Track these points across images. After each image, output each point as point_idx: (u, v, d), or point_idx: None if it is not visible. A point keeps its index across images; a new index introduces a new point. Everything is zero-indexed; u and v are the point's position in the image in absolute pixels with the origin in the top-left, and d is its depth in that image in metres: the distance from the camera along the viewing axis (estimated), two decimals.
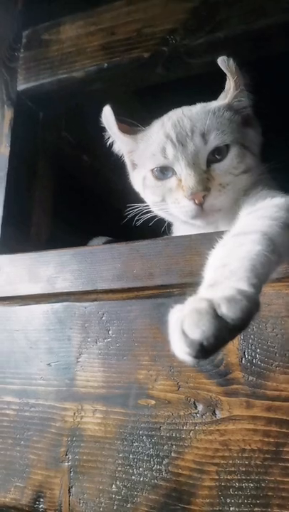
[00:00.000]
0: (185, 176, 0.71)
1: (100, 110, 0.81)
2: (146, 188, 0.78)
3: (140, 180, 0.80)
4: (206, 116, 0.72)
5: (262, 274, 0.47)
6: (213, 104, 0.75)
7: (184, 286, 0.68)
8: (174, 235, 0.88)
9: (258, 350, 0.61)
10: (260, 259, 0.48)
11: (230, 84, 0.74)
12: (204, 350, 0.40)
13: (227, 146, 0.72)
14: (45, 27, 0.92)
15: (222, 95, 0.76)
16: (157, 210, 0.78)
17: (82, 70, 0.86)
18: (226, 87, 0.76)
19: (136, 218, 0.80)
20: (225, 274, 0.47)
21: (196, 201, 0.70)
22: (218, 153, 0.72)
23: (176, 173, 0.73)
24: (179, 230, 0.85)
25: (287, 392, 0.59)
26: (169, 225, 0.85)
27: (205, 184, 0.70)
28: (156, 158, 0.74)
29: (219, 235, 0.66)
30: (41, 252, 0.78)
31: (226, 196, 0.73)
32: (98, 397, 0.69)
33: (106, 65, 0.84)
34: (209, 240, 0.67)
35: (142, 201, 0.82)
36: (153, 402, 0.65)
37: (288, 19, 0.72)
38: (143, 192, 0.80)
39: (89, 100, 0.97)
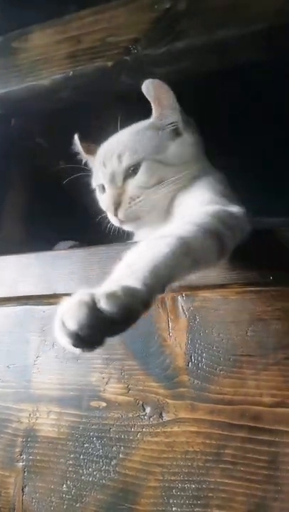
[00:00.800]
0: (107, 192, 0.83)
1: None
2: (99, 199, 0.89)
3: (96, 191, 0.90)
4: (127, 138, 0.83)
5: (164, 276, 0.50)
6: (140, 125, 0.84)
7: None
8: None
9: (204, 354, 0.64)
10: (165, 261, 0.50)
11: (153, 106, 0.81)
12: (81, 340, 0.44)
13: (139, 163, 0.80)
14: (14, 35, 0.95)
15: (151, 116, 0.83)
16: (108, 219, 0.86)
17: (49, 78, 0.89)
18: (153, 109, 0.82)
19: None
20: (127, 272, 0.50)
21: (113, 213, 0.81)
22: (133, 170, 0.81)
23: (106, 190, 0.84)
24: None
25: (230, 395, 0.61)
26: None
27: (116, 199, 0.81)
28: (96, 177, 0.87)
29: None
30: (3, 256, 0.81)
31: (139, 206, 0.81)
32: (53, 398, 0.71)
33: (71, 73, 0.87)
34: None
35: None
36: (104, 404, 0.68)
37: (248, 31, 0.75)
38: (98, 203, 0.90)
39: (61, 106, 1.00)
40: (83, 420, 0.68)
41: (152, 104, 0.81)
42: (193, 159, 0.83)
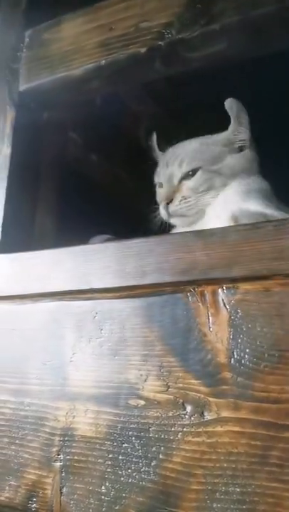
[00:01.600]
0: (163, 188, 0.99)
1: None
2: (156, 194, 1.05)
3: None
4: (192, 147, 0.99)
5: None
6: (210, 139, 1.00)
7: (175, 285, 0.69)
8: None
9: (247, 350, 0.62)
10: None
11: (231, 123, 0.97)
12: None
13: (196, 170, 0.95)
14: (46, 26, 0.95)
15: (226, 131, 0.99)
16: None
17: (80, 68, 0.88)
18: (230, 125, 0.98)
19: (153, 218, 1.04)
20: None
21: (162, 205, 0.97)
22: (191, 174, 0.96)
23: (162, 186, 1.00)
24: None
25: (276, 393, 0.59)
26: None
27: (170, 195, 0.96)
28: (158, 174, 1.04)
29: (210, 232, 0.68)
30: (36, 252, 0.81)
31: (188, 206, 0.95)
32: (90, 396, 0.71)
33: (104, 61, 0.86)
34: (201, 237, 0.68)
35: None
36: (143, 402, 0.66)
37: (283, 9, 0.72)
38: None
39: (93, 99, 0.99)
40: (121, 419, 0.67)
41: (232, 121, 0.96)
42: (245, 173, 0.96)
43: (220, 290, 0.65)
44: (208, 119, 0.97)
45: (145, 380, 0.67)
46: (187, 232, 0.71)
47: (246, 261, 0.64)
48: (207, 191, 0.94)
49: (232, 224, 0.82)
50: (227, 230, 0.67)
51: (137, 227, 0.92)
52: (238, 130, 0.97)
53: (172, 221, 0.97)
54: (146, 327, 0.69)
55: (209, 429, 0.61)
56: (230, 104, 0.94)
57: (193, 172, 0.95)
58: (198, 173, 0.95)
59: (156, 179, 1.04)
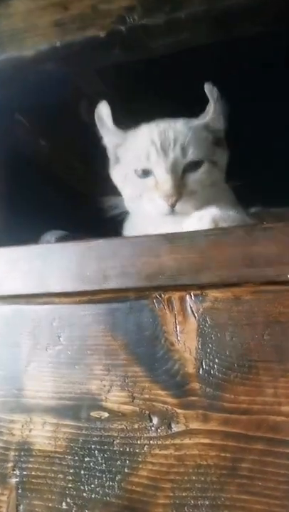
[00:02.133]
0: (163, 180, 0.84)
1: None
2: (127, 184, 0.91)
3: (122, 175, 0.93)
4: (187, 131, 0.87)
5: None
6: (194, 122, 0.90)
7: (140, 291, 0.66)
8: (128, 231, 0.96)
9: (216, 360, 0.61)
10: None
11: (210, 108, 0.89)
12: None
13: (201, 161, 0.87)
14: None
15: (202, 115, 0.91)
16: (131, 204, 0.92)
17: (33, 48, 0.82)
18: (206, 110, 0.90)
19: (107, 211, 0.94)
20: None
21: (169, 202, 0.83)
22: (192, 165, 0.86)
23: (154, 175, 0.86)
24: (136, 225, 0.94)
25: (246, 404, 0.59)
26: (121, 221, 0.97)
27: (178, 189, 0.84)
28: (140, 160, 0.87)
29: (178, 236, 0.66)
30: None
31: (195, 202, 0.84)
32: (48, 408, 0.67)
33: (58, 43, 0.80)
34: (168, 241, 0.66)
35: (116, 193, 0.95)
36: (106, 414, 0.64)
37: (251, 1, 0.70)
38: (123, 186, 0.93)
39: (45, 80, 0.93)
40: (83, 432, 0.65)
41: (211, 106, 0.89)
42: (223, 175, 0.92)
43: (188, 297, 0.64)
44: (164, 104, 0.93)
45: (108, 391, 0.65)
46: (153, 234, 0.68)
47: (216, 267, 0.63)
48: (210, 186, 0.88)
49: (212, 227, 0.75)
50: (196, 234, 0.65)
51: (93, 218, 0.88)
52: (215, 119, 0.90)
53: (172, 218, 0.85)
54: (109, 335, 0.66)
55: (177, 441, 0.61)
56: (210, 88, 0.87)
57: (196, 163, 0.86)
58: (205, 165, 0.87)
59: (134, 165, 0.88)
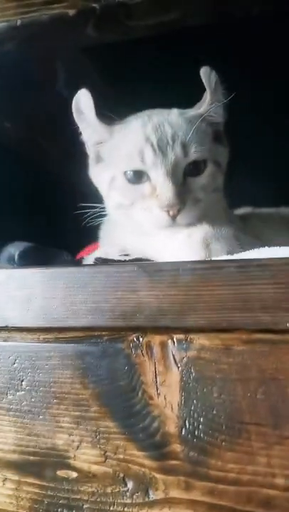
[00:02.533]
0: (162, 185, 0.71)
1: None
2: (114, 190, 0.77)
3: (107, 179, 0.78)
4: (186, 125, 0.73)
5: None
6: (191, 113, 0.76)
7: (115, 331, 0.58)
8: (106, 239, 0.84)
9: (202, 419, 0.53)
10: None
11: (207, 96, 0.75)
12: None
13: (204, 162, 0.74)
14: None
15: (197, 105, 0.77)
16: (119, 213, 0.78)
17: None
18: (202, 98, 0.77)
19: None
20: None
21: (171, 213, 0.71)
22: (194, 167, 0.73)
23: (150, 180, 0.73)
24: (119, 236, 0.81)
25: (235, 473, 0.51)
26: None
27: (181, 197, 0.71)
28: (131, 161, 0.73)
29: (159, 268, 0.56)
30: None
31: (198, 211, 0.73)
32: (9, 463, 0.59)
33: (19, 21, 0.67)
34: (148, 274, 0.57)
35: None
36: (74, 474, 0.57)
37: None
38: (108, 192, 0.79)
39: (8, 61, 0.80)
40: (48, 493, 0.57)
41: (208, 94, 0.75)
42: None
43: (170, 343, 0.55)
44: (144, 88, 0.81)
45: (77, 448, 0.57)
46: (131, 263, 0.59)
47: (203, 308, 0.54)
48: (213, 193, 0.76)
49: (203, 246, 0.67)
50: (180, 266, 0.56)
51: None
52: (214, 110, 0.76)
53: (168, 230, 0.73)
54: (78, 382, 0.58)
55: (155, 510, 0.53)
56: (207, 73, 0.73)
57: (198, 164, 0.73)
58: (210, 167, 0.74)
59: (124, 166, 0.74)
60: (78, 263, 0.67)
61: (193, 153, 0.72)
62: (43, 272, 0.61)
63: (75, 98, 0.77)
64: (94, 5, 0.63)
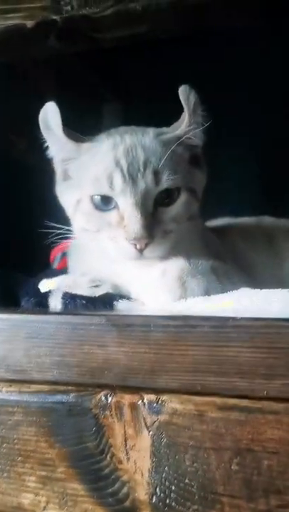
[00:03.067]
0: (129, 215, 0.66)
1: None
2: (80, 214, 0.72)
3: (73, 200, 0.73)
4: (161, 149, 0.69)
5: None
6: (167, 135, 0.71)
7: (82, 387, 0.54)
8: (75, 263, 0.80)
9: (173, 487, 0.50)
10: None
11: (185, 117, 0.70)
12: None
13: (178, 190, 0.69)
14: None
15: (175, 125, 0.73)
16: (85, 237, 0.74)
17: None
18: (180, 119, 0.71)
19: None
20: None
21: (138, 247, 0.66)
22: (166, 196, 0.69)
23: (118, 208, 0.68)
24: (88, 261, 0.76)
25: None
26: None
27: (150, 230, 0.66)
28: (99, 185, 0.69)
29: (129, 323, 0.52)
30: None
31: (169, 244, 0.69)
32: None
33: None
34: (117, 328, 0.53)
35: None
36: None
37: None
38: (73, 214, 0.74)
39: None
40: None
41: (186, 116, 0.70)
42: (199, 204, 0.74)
43: (141, 404, 0.52)
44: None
45: (44, 508, 0.55)
46: (98, 316, 0.54)
47: (175, 369, 0.51)
48: (187, 222, 0.71)
49: (178, 285, 0.63)
50: (152, 322, 0.52)
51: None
52: (192, 132, 0.70)
53: (139, 264, 0.69)
54: (44, 440, 0.55)
55: None
56: (186, 93, 0.68)
57: (170, 192, 0.68)
58: (183, 195, 0.69)
59: (91, 190, 0.69)
60: (42, 309, 0.62)
61: (166, 181, 0.67)
62: (4, 320, 0.57)
63: (41, 111, 0.71)
64: (54, 17, 0.56)
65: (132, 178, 0.67)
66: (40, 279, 0.86)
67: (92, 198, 0.69)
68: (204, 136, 0.72)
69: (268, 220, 0.94)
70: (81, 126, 0.70)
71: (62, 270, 0.87)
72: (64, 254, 0.93)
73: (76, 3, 0.54)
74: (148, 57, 0.74)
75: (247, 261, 0.80)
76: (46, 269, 0.99)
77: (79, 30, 0.57)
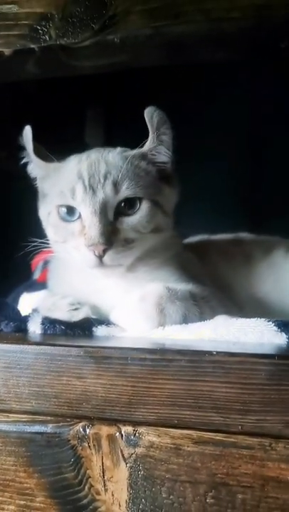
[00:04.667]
0: (89, 224, 0.69)
1: None
2: (50, 226, 0.76)
3: (45, 214, 0.77)
4: (122, 163, 0.72)
5: None
6: (132, 151, 0.74)
7: (60, 418, 0.54)
8: (54, 279, 0.82)
9: None
10: None
11: (150, 136, 0.73)
12: None
13: (139, 200, 0.71)
14: None
15: (143, 143, 0.74)
16: (56, 249, 0.76)
17: None
18: (148, 138, 0.74)
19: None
20: None
21: (96, 253, 0.68)
22: (128, 206, 0.71)
23: (81, 218, 0.71)
24: (63, 274, 0.79)
25: None
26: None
27: (108, 237, 0.68)
28: (63, 196, 0.72)
29: (106, 355, 0.53)
30: None
31: (130, 253, 0.71)
32: None
33: None
34: (94, 361, 0.53)
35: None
36: None
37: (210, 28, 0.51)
38: (46, 226, 0.78)
39: None
40: None
41: (150, 135, 0.72)
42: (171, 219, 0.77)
43: (118, 436, 0.53)
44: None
45: None
46: (76, 347, 0.54)
47: (152, 403, 0.52)
48: (153, 233, 0.72)
49: (156, 312, 0.63)
50: (129, 355, 0.52)
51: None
52: (156, 149, 0.73)
53: (102, 272, 0.71)
54: (22, 470, 0.56)
55: None
56: (150, 114, 0.70)
57: (132, 202, 0.70)
58: (144, 205, 0.71)
59: (56, 201, 0.72)
60: (21, 338, 0.62)
61: (125, 191, 0.70)
62: None
63: (22, 133, 0.75)
64: (32, 46, 0.55)
65: (92, 188, 0.69)
66: (21, 291, 0.86)
67: (58, 209, 0.72)
68: (172, 155, 0.75)
69: (245, 237, 0.94)
70: (63, 149, 0.70)
71: (44, 284, 0.87)
72: (46, 263, 0.93)
73: (54, 33, 0.54)
74: (127, 82, 0.74)
75: (225, 281, 0.80)
76: (27, 281, 0.99)
77: (57, 58, 0.57)
